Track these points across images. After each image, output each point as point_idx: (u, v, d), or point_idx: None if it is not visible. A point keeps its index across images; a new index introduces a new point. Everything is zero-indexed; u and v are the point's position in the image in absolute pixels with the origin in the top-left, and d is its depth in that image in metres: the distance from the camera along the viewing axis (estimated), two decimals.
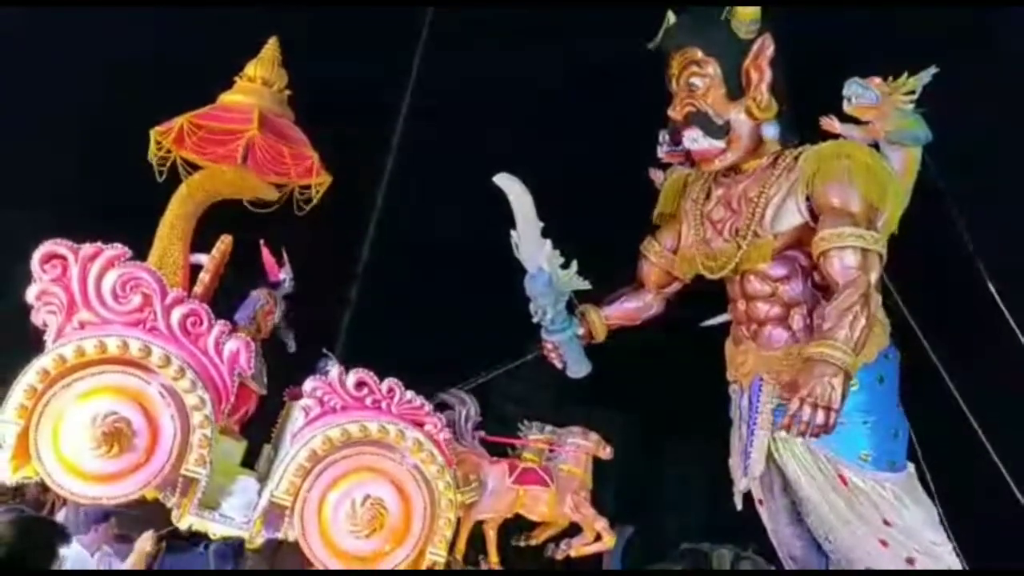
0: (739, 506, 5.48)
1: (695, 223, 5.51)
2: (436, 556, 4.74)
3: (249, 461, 5.17)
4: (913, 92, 5.08)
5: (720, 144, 5.20)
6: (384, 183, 8.10)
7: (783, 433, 4.70)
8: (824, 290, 5.16)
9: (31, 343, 4.66)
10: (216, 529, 4.63)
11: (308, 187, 5.98)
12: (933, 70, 5.08)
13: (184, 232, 5.22)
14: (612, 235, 6.36)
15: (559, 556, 6.01)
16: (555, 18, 7.75)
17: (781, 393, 4.81)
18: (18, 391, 4.37)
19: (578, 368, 5.69)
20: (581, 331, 5.70)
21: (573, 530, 6.04)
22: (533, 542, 6.07)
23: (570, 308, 5.55)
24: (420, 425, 4.84)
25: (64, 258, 4.56)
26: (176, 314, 4.62)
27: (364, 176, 7.82)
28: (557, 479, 5.88)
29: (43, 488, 4.62)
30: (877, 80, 5.14)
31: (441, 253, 7.48)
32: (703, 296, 5.75)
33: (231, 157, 5.61)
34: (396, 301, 7.54)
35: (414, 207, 7.80)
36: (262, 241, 5.69)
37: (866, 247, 4.77)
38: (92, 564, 4.43)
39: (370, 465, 4.73)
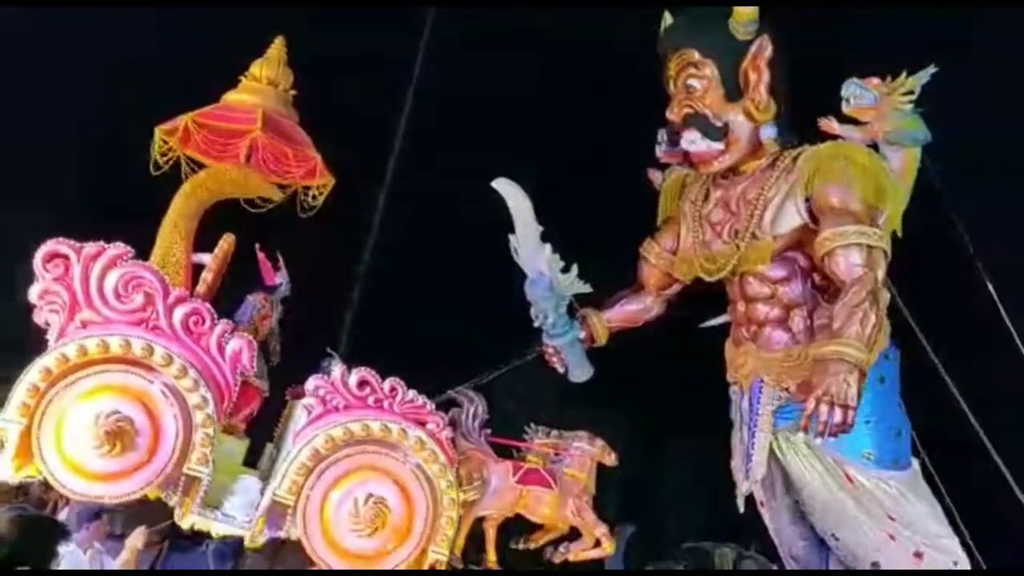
0: (741, 509, 5.48)
1: (693, 225, 5.51)
2: (438, 555, 4.75)
3: (251, 460, 5.17)
4: (912, 92, 5.09)
5: (719, 146, 5.19)
6: (386, 183, 8.10)
7: (800, 435, 4.65)
8: (823, 291, 5.18)
9: (34, 342, 4.66)
10: (219, 528, 4.63)
11: (311, 188, 5.99)
12: (932, 70, 5.09)
13: (187, 231, 5.22)
14: (612, 237, 6.36)
15: (557, 560, 6.01)
16: (555, 18, 7.75)
17: (796, 395, 4.77)
18: (21, 390, 4.36)
19: (580, 372, 5.67)
20: (582, 335, 5.68)
21: (573, 535, 6.06)
22: (532, 545, 6.08)
23: (571, 312, 5.54)
24: (422, 424, 4.84)
25: (66, 257, 4.55)
26: (178, 313, 4.62)
27: (366, 176, 7.82)
28: (560, 482, 5.88)
29: (46, 487, 4.61)
30: (875, 80, 5.14)
31: (442, 252, 7.49)
32: (704, 297, 5.75)
33: (234, 156, 5.61)
34: (398, 300, 7.55)
35: (416, 207, 7.80)
36: (258, 246, 5.70)
37: (871, 244, 4.76)
38: (84, 561, 4.43)
39: (372, 464, 4.73)
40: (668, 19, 5.41)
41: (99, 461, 4.38)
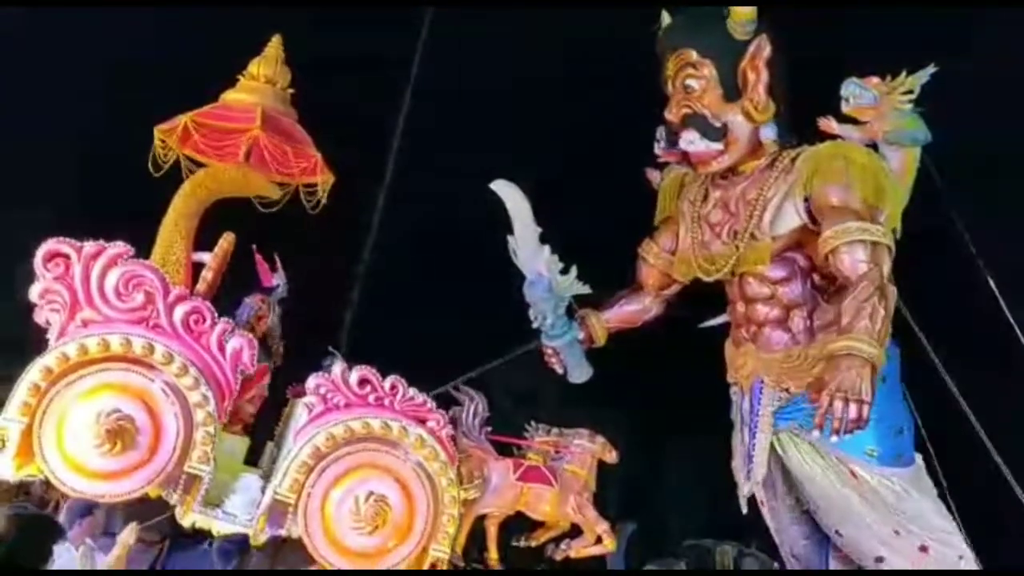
0: (744, 510, 5.49)
1: (692, 225, 5.50)
2: (439, 552, 4.74)
3: (253, 459, 5.17)
4: (911, 92, 5.10)
5: (717, 146, 5.18)
6: (386, 182, 8.10)
7: (815, 433, 4.54)
8: (823, 291, 5.18)
9: (35, 342, 4.66)
10: (220, 526, 4.63)
11: (311, 186, 5.99)
12: (931, 69, 5.09)
13: (187, 230, 5.23)
14: (611, 237, 6.36)
15: (559, 557, 6.02)
16: (554, 18, 7.76)
17: (809, 395, 4.75)
18: (22, 389, 4.37)
19: (579, 373, 5.66)
20: (581, 336, 5.68)
21: (574, 532, 6.06)
22: (534, 543, 6.09)
23: (569, 312, 5.53)
24: (423, 422, 4.84)
25: (67, 256, 4.56)
26: (179, 312, 4.62)
27: (366, 176, 7.82)
28: (561, 479, 5.89)
29: (47, 486, 4.61)
30: (875, 80, 5.14)
31: (442, 252, 7.49)
32: (705, 296, 5.76)
33: (234, 155, 5.62)
34: (398, 300, 7.55)
35: (415, 207, 7.80)
36: (254, 247, 5.71)
37: (875, 240, 4.75)
38: (76, 558, 4.43)
39: (373, 462, 4.73)
40: (666, 19, 5.41)
41: (100, 460, 4.38)
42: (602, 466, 6.12)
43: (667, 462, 7.74)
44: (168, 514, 4.61)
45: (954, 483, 5.27)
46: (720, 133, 5.15)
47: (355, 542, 4.62)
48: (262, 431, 5.29)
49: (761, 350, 5.32)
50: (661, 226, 5.88)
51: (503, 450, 5.96)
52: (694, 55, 5.17)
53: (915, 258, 5.02)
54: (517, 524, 6.01)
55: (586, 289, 5.42)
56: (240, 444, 5.10)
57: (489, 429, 5.88)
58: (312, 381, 4.81)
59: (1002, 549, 5.38)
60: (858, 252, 4.73)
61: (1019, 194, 6.47)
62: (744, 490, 5.43)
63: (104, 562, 4.31)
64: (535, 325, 5.47)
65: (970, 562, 5.05)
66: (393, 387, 4.84)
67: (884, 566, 5.13)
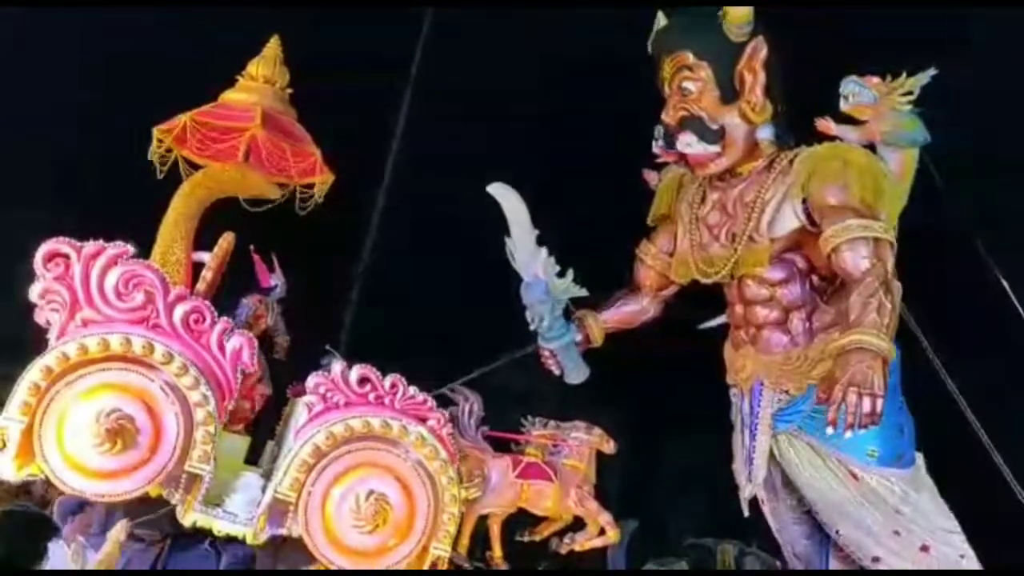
0: (746, 512, 5.50)
1: (690, 227, 5.51)
2: (440, 551, 4.73)
3: (253, 458, 5.17)
4: (911, 93, 5.09)
5: (715, 149, 5.18)
6: (385, 181, 8.11)
7: (830, 427, 4.39)
8: (822, 293, 5.19)
9: (34, 341, 4.66)
10: (220, 526, 4.61)
11: (310, 185, 5.99)
12: (932, 72, 5.08)
13: (186, 230, 5.21)
14: (609, 238, 6.37)
15: (563, 550, 6.02)
16: (554, 18, 7.77)
17: (817, 394, 4.72)
18: (22, 389, 4.34)
19: (576, 375, 5.68)
20: (579, 337, 5.69)
21: (577, 525, 6.06)
22: (537, 537, 6.09)
23: (566, 314, 5.56)
24: (423, 420, 4.84)
25: (67, 256, 4.53)
26: (179, 311, 4.60)
27: (366, 175, 7.83)
28: (560, 473, 5.89)
29: (48, 485, 4.60)
30: (875, 80, 5.14)
31: (442, 251, 7.50)
32: (705, 297, 5.76)
33: (233, 155, 5.61)
34: (398, 299, 7.56)
35: (416, 205, 7.81)
36: (252, 247, 5.71)
37: (876, 236, 4.73)
38: (68, 556, 4.43)
39: (373, 461, 4.71)
40: (662, 20, 5.42)
41: (100, 459, 4.36)
42: (603, 465, 6.12)
43: (667, 462, 7.74)
44: (161, 511, 4.58)
45: (954, 483, 5.27)
46: (717, 135, 5.15)
47: (355, 541, 4.60)
48: (263, 430, 5.29)
49: (760, 352, 5.32)
50: (659, 227, 5.89)
51: (500, 448, 5.96)
52: (690, 57, 5.17)
53: (914, 257, 5.01)
54: (520, 518, 6.01)
55: (583, 292, 5.43)
56: (241, 443, 5.09)
57: (485, 428, 5.88)
58: (312, 380, 4.79)
59: (1002, 549, 5.36)
60: (860, 249, 4.71)
61: (1019, 194, 6.48)
62: (745, 492, 5.44)
63: (94, 559, 4.30)
64: (532, 327, 5.49)
65: (972, 561, 5.05)
66: (393, 386, 4.82)
67: (881, 566, 5.14)
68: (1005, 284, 5.82)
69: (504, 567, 5.78)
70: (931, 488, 5.14)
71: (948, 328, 5.63)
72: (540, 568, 6.08)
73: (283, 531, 4.64)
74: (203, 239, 5.36)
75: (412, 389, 4.86)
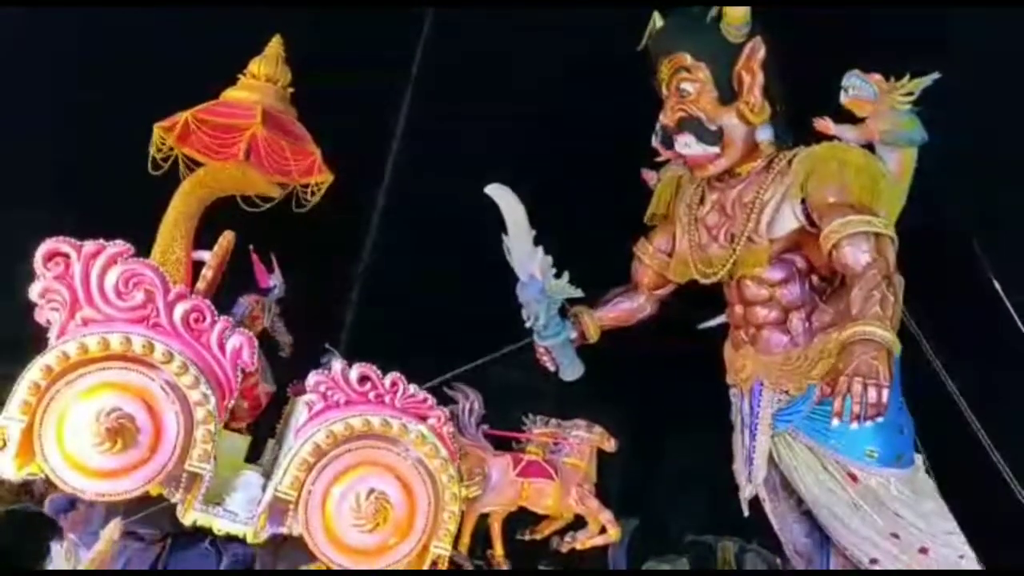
0: (746, 512, 5.51)
1: (689, 228, 5.52)
2: (440, 550, 4.74)
3: (255, 456, 5.18)
4: (911, 94, 5.10)
5: (714, 150, 5.19)
6: (385, 181, 8.11)
7: (836, 419, 4.31)
8: (822, 293, 5.20)
9: (35, 341, 4.66)
10: (221, 525, 4.61)
11: (311, 184, 5.99)
12: (935, 75, 5.08)
13: (186, 229, 5.21)
14: (607, 238, 6.38)
15: (564, 549, 6.02)
16: (554, 18, 7.77)
17: (822, 388, 4.71)
18: (22, 388, 4.35)
19: (571, 371, 5.74)
20: (574, 335, 5.72)
21: (579, 524, 6.06)
22: (538, 536, 6.08)
23: (562, 312, 5.60)
24: (424, 419, 4.84)
25: (67, 255, 4.54)
26: (179, 310, 4.61)
27: (365, 174, 7.83)
28: (561, 472, 5.89)
29: (49, 484, 4.60)
30: (877, 77, 5.15)
31: (442, 250, 7.50)
32: (706, 297, 5.77)
33: (233, 153, 5.61)
34: (399, 297, 7.56)
35: (416, 205, 7.81)
36: (252, 247, 5.71)
37: (877, 231, 4.73)
38: (60, 554, 4.43)
39: (373, 459, 4.71)
40: (658, 21, 5.42)
41: (100, 458, 4.36)
42: (604, 463, 6.13)
43: (668, 460, 7.75)
44: (152, 509, 4.57)
45: (954, 483, 5.27)
46: (716, 136, 5.16)
47: (356, 539, 4.61)
48: (264, 429, 5.30)
49: (760, 352, 5.34)
50: (657, 226, 5.90)
51: (501, 446, 5.96)
52: (688, 59, 5.18)
53: (914, 258, 5.01)
54: (521, 517, 6.00)
55: (578, 293, 5.47)
56: (241, 442, 5.11)
57: (486, 427, 5.89)
58: (312, 379, 4.80)
59: (1002, 549, 5.36)
60: (861, 244, 4.70)
61: (1019, 193, 6.48)
62: (746, 492, 5.45)
63: (87, 557, 4.29)
64: (527, 325, 5.53)
65: (971, 561, 5.06)
66: (394, 384, 4.83)
67: (878, 568, 5.14)
68: (997, 285, 5.82)
69: (505, 566, 5.78)
70: (930, 489, 5.15)
71: (948, 329, 5.63)
72: (541, 567, 6.07)
73: (283, 530, 4.65)
74: (203, 238, 5.36)
75: (412, 387, 4.87)
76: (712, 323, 5.93)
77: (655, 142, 5.60)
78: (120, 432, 4.35)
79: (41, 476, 4.50)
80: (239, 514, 4.65)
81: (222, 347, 4.68)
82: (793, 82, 5.33)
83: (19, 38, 6.69)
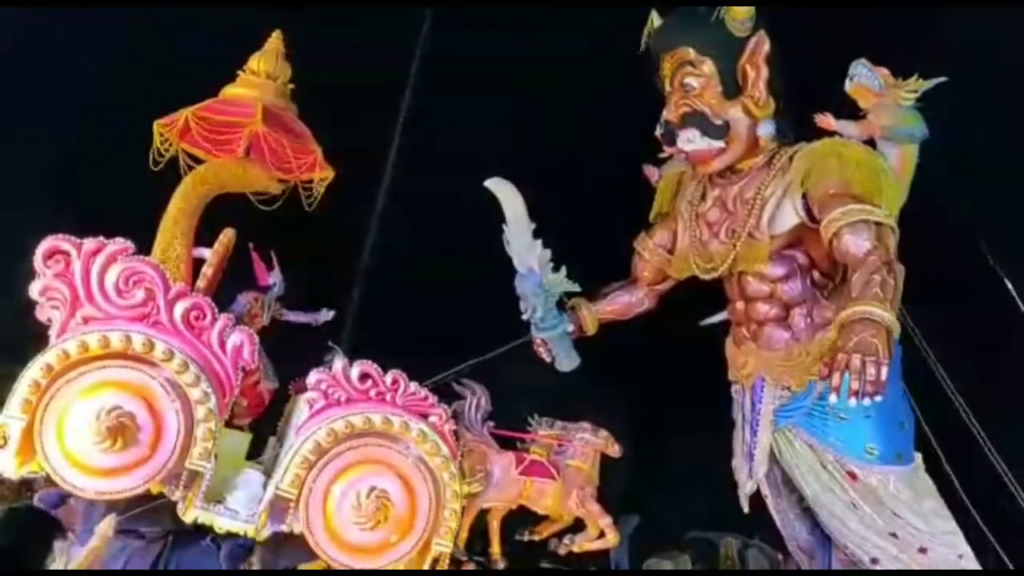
0: (745, 509, 5.50)
1: (690, 224, 5.52)
2: (442, 547, 4.74)
3: (255, 455, 5.17)
4: (915, 92, 5.09)
5: (719, 144, 5.18)
6: (385, 181, 8.11)
7: (834, 395, 4.19)
8: (823, 289, 5.19)
9: (35, 339, 4.66)
10: (222, 523, 4.60)
11: (311, 181, 5.98)
12: (943, 79, 5.06)
13: (187, 226, 5.19)
14: (609, 233, 6.38)
15: (562, 551, 6.02)
16: (554, 17, 7.78)
17: (820, 370, 4.66)
18: (22, 386, 4.36)
19: (567, 363, 5.76)
20: (571, 328, 5.73)
21: (578, 527, 6.06)
22: (537, 537, 6.08)
23: (559, 304, 5.63)
24: (425, 417, 4.84)
25: (67, 253, 4.55)
26: (179, 308, 4.62)
27: (365, 174, 7.82)
28: (564, 473, 5.89)
29: (49, 483, 4.59)
30: (885, 71, 5.15)
31: (442, 249, 7.49)
32: (706, 294, 5.76)
33: (233, 151, 5.60)
34: (399, 296, 7.54)
35: (416, 204, 7.81)
36: (251, 245, 5.70)
37: (878, 220, 4.69)
38: (58, 550, 4.42)
39: (374, 457, 4.72)
40: (655, 19, 5.42)
41: (101, 457, 4.37)
42: (607, 459, 6.12)
43: (671, 457, 7.74)
44: (145, 507, 4.56)
45: (953, 483, 5.26)
46: (722, 131, 5.15)
47: (357, 537, 4.61)
48: (265, 427, 5.29)
49: (762, 348, 5.33)
50: (657, 221, 5.90)
51: (505, 444, 5.96)
52: (692, 53, 5.18)
53: (914, 259, 5.00)
54: (520, 518, 6.00)
55: (575, 287, 5.52)
56: (242, 440, 5.12)
57: (492, 423, 5.89)
58: (313, 376, 4.81)
59: (1002, 549, 5.35)
60: (862, 232, 4.65)
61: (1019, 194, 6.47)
62: (746, 489, 5.44)
63: (81, 553, 4.28)
64: (525, 317, 5.55)
65: (970, 560, 5.05)
66: (395, 382, 4.83)
67: (879, 567, 5.13)
68: (1009, 285, 5.81)
69: (502, 564, 5.78)
70: (930, 488, 5.14)
71: (947, 329, 5.62)
72: (542, 566, 6.07)
73: (284, 528, 4.64)
74: (203, 236, 5.35)
75: (413, 385, 4.87)
76: (714, 320, 5.94)
77: (659, 131, 5.58)
78: (121, 430, 4.35)
79: (42, 474, 4.50)
80: (240, 512, 4.64)
81: (223, 345, 4.68)
82: (795, 79, 5.32)
83: (19, 38, 6.68)
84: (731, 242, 5.26)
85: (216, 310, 4.70)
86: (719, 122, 5.15)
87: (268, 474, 4.82)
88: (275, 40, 5.95)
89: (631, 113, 5.84)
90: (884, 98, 5.09)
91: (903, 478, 5.03)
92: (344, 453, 4.67)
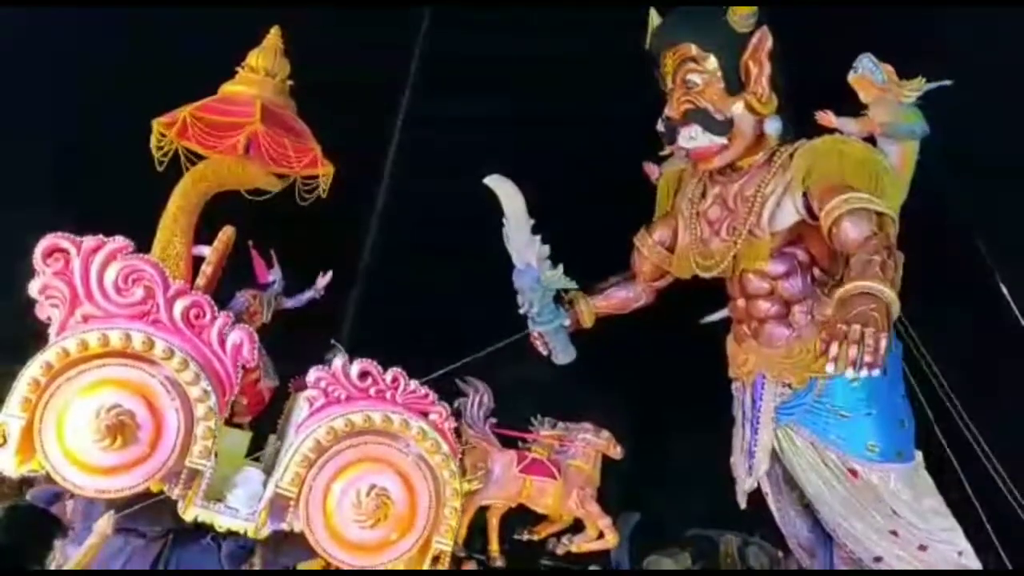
0: (743, 505, 5.50)
1: (691, 222, 5.52)
2: (442, 545, 4.72)
3: (256, 452, 5.17)
4: (918, 90, 5.09)
5: (722, 140, 5.18)
6: (385, 181, 8.12)
7: (831, 365, 3.97)
8: (824, 286, 5.18)
9: (35, 337, 4.65)
10: (222, 521, 4.59)
11: (311, 178, 5.97)
12: (946, 83, 5.07)
13: (186, 224, 5.20)
14: (609, 230, 6.38)
15: (560, 551, 6.03)
16: (554, 17, 7.79)
17: (819, 342, 4.56)
18: (22, 385, 4.34)
19: (564, 356, 5.80)
20: (568, 322, 5.74)
21: (577, 527, 6.06)
22: (536, 537, 6.09)
23: (558, 295, 5.67)
24: (425, 415, 4.83)
25: (66, 251, 4.53)
26: (179, 306, 4.60)
27: (365, 172, 7.83)
28: (565, 473, 5.90)
29: (49, 481, 4.59)
30: (889, 67, 5.15)
31: (442, 248, 7.50)
32: (706, 292, 5.76)
33: (233, 149, 5.59)
34: (399, 295, 7.56)
35: (416, 204, 7.82)
36: (251, 243, 5.69)
37: (879, 209, 4.67)
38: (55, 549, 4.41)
39: (374, 455, 4.69)
40: (655, 17, 5.42)
41: (101, 455, 4.35)
42: (607, 459, 6.13)
43: (671, 454, 7.75)
44: (140, 505, 4.55)
45: (953, 483, 5.26)
46: (725, 127, 5.15)
47: (357, 535, 4.59)
48: (265, 425, 5.28)
49: (763, 345, 5.33)
50: (658, 218, 5.90)
51: (507, 443, 5.96)
52: (694, 49, 5.17)
53: (914, 259, 4.99)
54: (520, 517, 6.00)
55: (573, 284, 5.56)
56: (242, 438, 5.10)
57: (494, 421, 5.90)
58: (313, 374, 4.79)
59: (1002, 549, 5.35)
60: (862, 220, 4.62)
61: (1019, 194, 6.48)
62: (745, 486, 5.44)
63: (78, 551, 4.27)
64: (522, 311, 5.56)
65: (970, 556, 5.04)
66: (395, 380, 4.81)
67: (882, 566, 5.13)
68: (1003, 287, 5.81)
69: (500, 562, 5.77)
70: (930, 486, 5.13)
71: (947, 328, 5.62)
72: (542, 565, 6.07)
73: (284, 526, 4.62)
74: (203, 233, 5.35)
75: (413, 383, 4.85)
76: (714, 317, 5.95)
77: (660, 126, 5.57)
78: (120, 428, 4.33)
79: (42, 473, 4.49)
80: (240, 510, 4.62)
81: (222, 343, 4.66)
82: (795, 76, 5.32)
83: (19, 38, 6.69)
84: (732, 240, 5.26)
85: (216, 308, 4.69)
86: (722, 118, 5.14)
87: (268, 472, 4.80)
88: (274, 36, 5.95)
89: (630, 112, 5.84)
90: (885, 94, 5.09)
91: (904, 475, 5.02)
92: (344, 451, 4.65)
